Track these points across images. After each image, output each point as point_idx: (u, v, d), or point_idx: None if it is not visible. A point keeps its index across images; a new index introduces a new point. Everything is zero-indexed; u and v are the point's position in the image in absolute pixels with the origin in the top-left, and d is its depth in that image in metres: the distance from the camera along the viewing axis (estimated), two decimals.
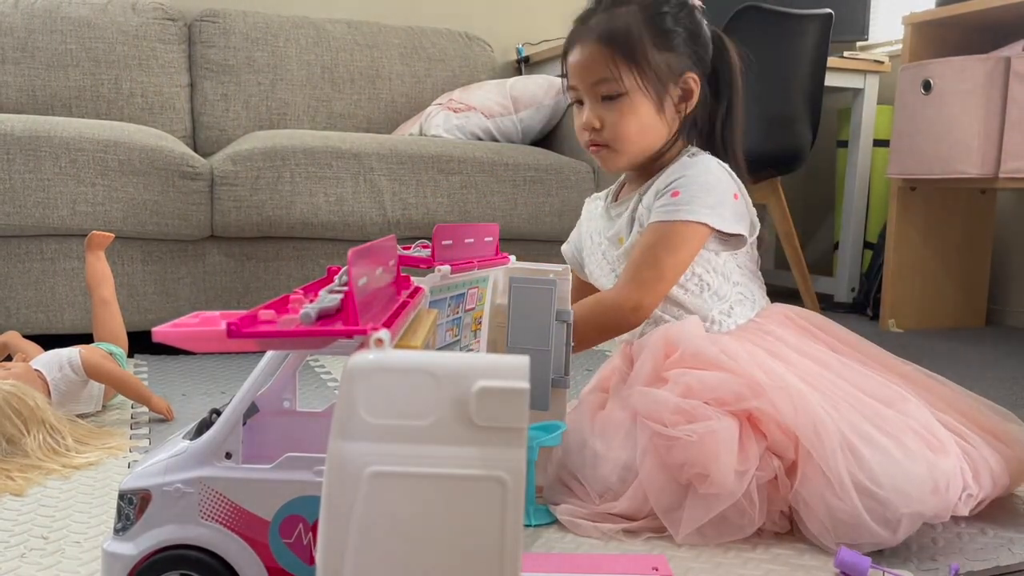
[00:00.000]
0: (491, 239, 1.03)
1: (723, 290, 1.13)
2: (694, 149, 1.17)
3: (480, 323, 1.01)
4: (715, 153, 1.17)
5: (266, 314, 0.55)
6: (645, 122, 1.12)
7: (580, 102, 1.16)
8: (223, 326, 0.52)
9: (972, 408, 1.03)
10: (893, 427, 0.92)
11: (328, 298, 0.58)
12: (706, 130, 1.19)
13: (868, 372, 1.03)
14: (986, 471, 0.95)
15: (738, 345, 1.01)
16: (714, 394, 0.94)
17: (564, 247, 1.35)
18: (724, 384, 0.95)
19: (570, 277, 1.07)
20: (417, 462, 0.47)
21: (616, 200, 1.24)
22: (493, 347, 1.04)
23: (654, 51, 1.10)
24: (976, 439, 0.98)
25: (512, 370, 0.47)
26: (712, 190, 1.10)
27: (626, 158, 1.16)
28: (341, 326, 0.53)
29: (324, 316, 0.56)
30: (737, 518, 0.91)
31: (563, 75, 1.18)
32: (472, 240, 0.97)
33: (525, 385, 0.47)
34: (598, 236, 1.24)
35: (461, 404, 0.47)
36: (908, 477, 0.88)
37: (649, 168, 1.18)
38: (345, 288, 0.65)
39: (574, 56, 1.14)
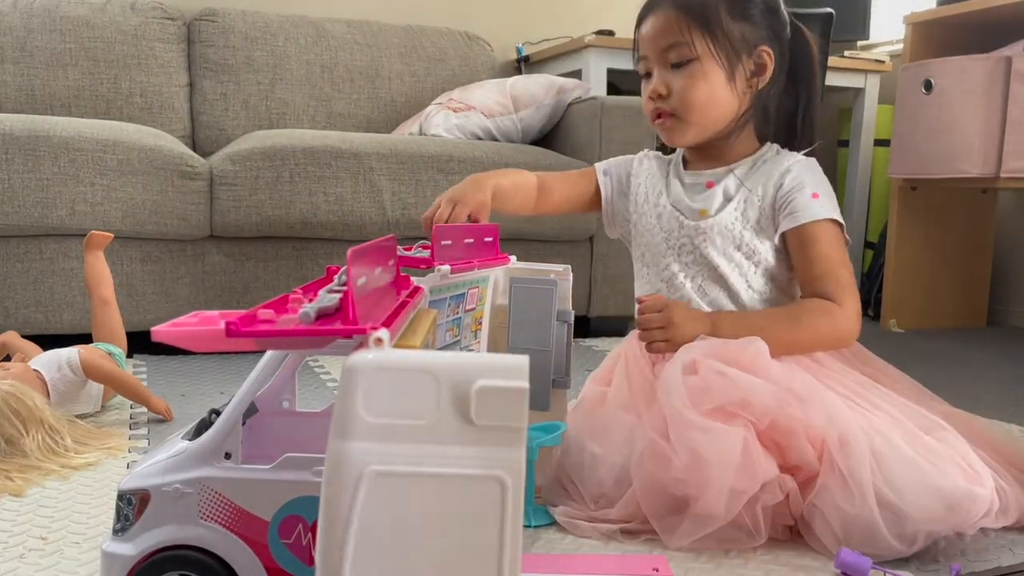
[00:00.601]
0: (491, 239, 1.02)
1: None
2: (776, 147, 1.14)
3: (481, 323, 1.01)
4: (796, 147, 1.13)
5: (265, 313, 0.55)
6: (715, 90, 1.07)
7: (648, 74, 1.12)
8: (222, 325, 0.52)
9: (1005, 444, 1.01)
10: (926, 448, 0.91)
11: (327, 298, 0.58)
12: (781, 121, 1.15)
13: (908, 402, 1.01)
14: (1015, 509, 0.93)
15: (781, 364, 0.99)
16: (740, 395, 0.92)
17: (601, 167, 1.24)
18: (755, 389, 0.92)
19: (571, 277, 1.06)
20: (417, 462, 0.46)
21: (686, 168, 1.17)
22: (494, 347, 1.03)
23: (728, 18, 1.07)
24: (1008, 476, 0.95)
25: (512, 370, 0.47)
26: (832, 195, 1.09)
27: (694, 130, 1.10)
28: (340, 326, 0.53)
29: (323, 316, 0.55)
30: (735, 532, 0.90)
31: (633, 48, 1.14)
32: (472, 240, 0.97)
33: (525, 384, 0.47)
34: (656, 196, 1.16)
35: (461, 403, 0.46)
36: (930, 492, 0.86)
37: (719, 150, 1.13)
38: (344, 288, 0.65)
39: (647, 25, 1.11)
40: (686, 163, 1.18)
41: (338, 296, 0.57)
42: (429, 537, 0.46)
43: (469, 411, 0.46)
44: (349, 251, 0.55)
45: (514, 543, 0.47)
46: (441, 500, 0.46)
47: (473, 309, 0.98)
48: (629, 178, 1.22)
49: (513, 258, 1.05)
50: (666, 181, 1.17)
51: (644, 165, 1.21)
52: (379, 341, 0.49)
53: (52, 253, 1.80)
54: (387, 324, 0.53)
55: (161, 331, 0.52)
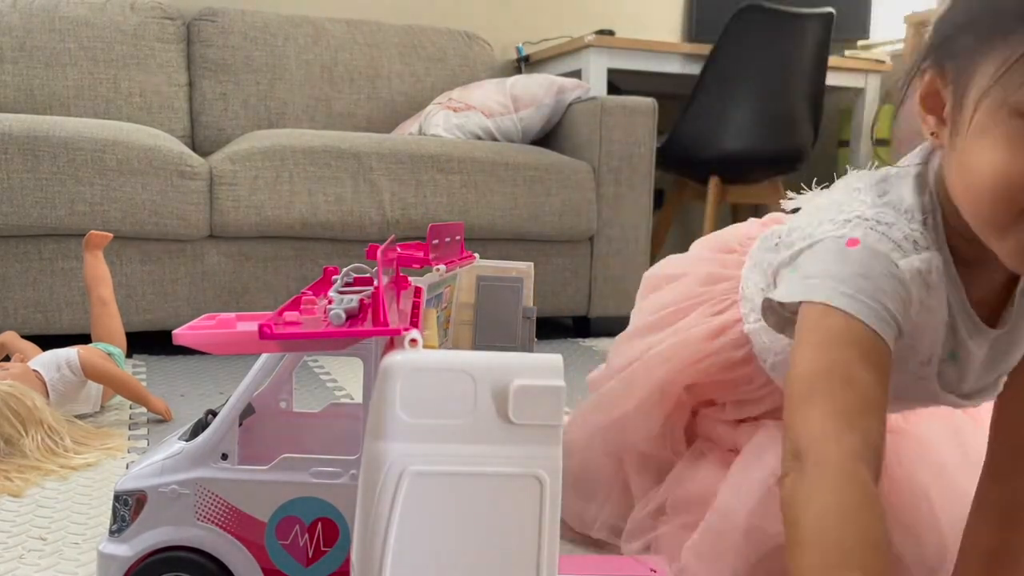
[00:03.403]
0: (459, 237, 1.03)
1: None
2: None
3: (449, 321, 1.02)
4: None
5: (290, 315, 0.54)
6: None
7: None
8: (243, 328, 0.51)
9: None
10: None
11: (347, 299, 0.58)
12: None
13: None
14: None
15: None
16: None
17: (877, 322, 0.65)
18: None
19: (532, 275, 1.05)
20: (455, 461, 0.47)
21: (983, 308, 0.71)
22: (455, 344, 1.04)
23: None
24: None
25: (548, 368, 0.48)
26: None
27: None
28: (370, 326, 0.52)
29: (349, 317, 0.55)
30: None
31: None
32: (449, 239, 0.98)
33: (561, 383, 0.47)
34: (952, 334, 0.72)
35: (499, 403, 0.47)
36: None
37: None
38: (351, 289, 0.65)
39: None
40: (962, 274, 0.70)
41: (357, 297, 0.57)
42: (468, 536, 0.47)
43: (507, 410, 0.47)
44: (379, 252, 0.55)
45: (552, 541, 0.47)
46: (480, 499, 0.47)
47: (446, 308, 0.99)
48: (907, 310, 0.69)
49: (476, 256, 1.06)
50: (961, 327, 0.72)
51: (933, 293, 0.69)
52: (414, 342, 0.49)
53: (51, 253, 1.79)
54: (413, 325, 0.53)
55: (182, 334, 0.52)
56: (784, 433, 0.64)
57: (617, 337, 1.02)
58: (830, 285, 0.66)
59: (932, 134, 0.66)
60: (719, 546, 0.78)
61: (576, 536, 0.95)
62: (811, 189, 0.82)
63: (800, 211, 0.82)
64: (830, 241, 0.69)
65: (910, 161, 0.72)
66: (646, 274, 1.05)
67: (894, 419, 0.89)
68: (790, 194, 0.86)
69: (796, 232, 0.76)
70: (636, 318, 1.01)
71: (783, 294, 0.71)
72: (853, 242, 0.67)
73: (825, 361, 0.65)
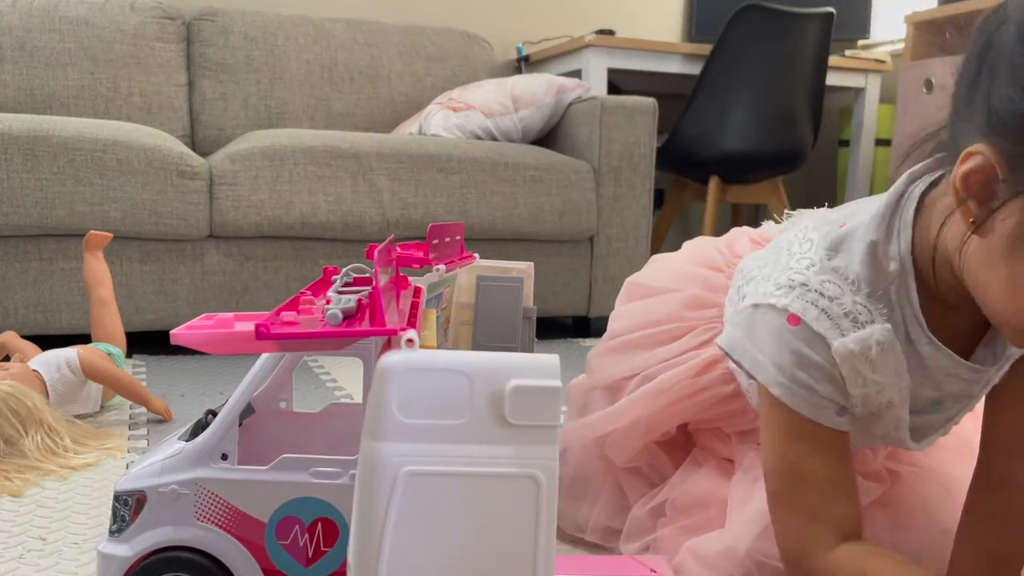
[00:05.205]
0: (459, 237, 1.03)
1: None
2: None
3: (449, 321, 1.02)
4: None
5: (288, 315, 0.54)
6: None
7: None
8: (240, 328, 0.51)
9: None
10: None
11: (344, 299, 0.58)
12: None
13: None
14: None
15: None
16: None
17: (834, 415, 0.69)
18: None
19: (532, 274, 1.05)
20: (451, 462, 0.47)
21: (956, 350, 0.69)
22: (455, 344, 1.04)
23: None
24: None
25: (544, 368, 0.48)
26: None
27: None
28: (368, 327, 0.52)
29: (346, 317, 0.55)
30: None
31: None
32: (449, 239, 0.98)
33: (557, 383, 0.47)
34: (921, 387, 0.71)
35: (495, 403, 0.47)
36: None
37: None
38: (350, 289, 0.65)
39: None
40: (941, 327, 0.68)
41: (355, 297, 0.57)
42: (464, 537, 0.47)
43: (503, 410, 0.47)
44: (376, 251, 0.55)
45: (548, 541, 0.47)
46: (476, 500, 0.47)
47: (446, 308, 0.99)
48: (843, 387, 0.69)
49: (476, 256, 1.06)
50: (934, 368, 0.70)
51: (879, 368, 0.67)
52: (410, 342, 0.49)
53: (51, 253, 1.79)
54: (411, 325, 0.53)
55: (180, 334, 0.52)
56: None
57: (598, 345, 1.02)
58: (772, 371, 0.69)
59: (971, 221, 0.59)
60: (719, 545, 0.79)
61: (574, 540, 0.95)
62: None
63: (759, 253, 0.83)
64: (773, 312, 0.69)
65: (867, 224, 0.68)
66: (629, 280, 1.05)
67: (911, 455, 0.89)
68: (771, 222, 0.86)
69: (750, 284, 0.78)
70: (615, 324, 1.01)
71: (726, 342, 0.74)
72: (794, 320, 0.68)
73: (782, 460, 0.70)
